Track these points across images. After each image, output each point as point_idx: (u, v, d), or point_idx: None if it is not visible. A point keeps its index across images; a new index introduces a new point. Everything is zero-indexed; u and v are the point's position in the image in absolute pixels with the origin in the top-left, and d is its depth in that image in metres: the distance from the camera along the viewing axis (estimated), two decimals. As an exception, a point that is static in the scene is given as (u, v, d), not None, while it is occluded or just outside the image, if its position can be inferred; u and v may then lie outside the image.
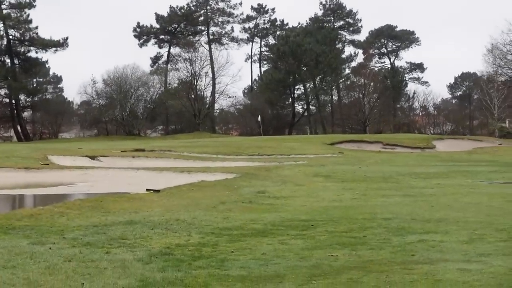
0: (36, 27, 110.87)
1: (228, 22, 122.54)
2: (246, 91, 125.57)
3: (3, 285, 11.52)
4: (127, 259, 13.69)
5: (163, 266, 12.99)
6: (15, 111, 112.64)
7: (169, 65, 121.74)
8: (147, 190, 27.61)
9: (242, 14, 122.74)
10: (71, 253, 14.29)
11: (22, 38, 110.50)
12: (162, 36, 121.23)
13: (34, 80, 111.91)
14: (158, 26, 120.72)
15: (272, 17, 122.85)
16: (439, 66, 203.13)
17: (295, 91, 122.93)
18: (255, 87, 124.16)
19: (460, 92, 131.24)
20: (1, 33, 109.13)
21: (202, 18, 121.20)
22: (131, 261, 13.44)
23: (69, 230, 17.03)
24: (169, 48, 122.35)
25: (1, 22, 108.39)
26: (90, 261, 13.45)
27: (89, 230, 16.97)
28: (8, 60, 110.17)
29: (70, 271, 12.54)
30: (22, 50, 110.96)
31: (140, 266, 12.99)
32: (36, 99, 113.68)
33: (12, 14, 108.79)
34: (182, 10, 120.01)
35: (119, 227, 17.33)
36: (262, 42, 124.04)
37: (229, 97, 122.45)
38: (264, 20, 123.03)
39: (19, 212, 22.84)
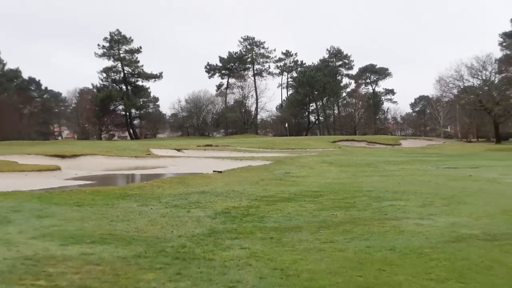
0: (142, 65, 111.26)
1: (266, 62, 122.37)
2: (278, 107, 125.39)
3: (122, 231, 11.68)
4: (200, 215, 13.82)
5: (224, 220, 13.10)
6: (128, 120, 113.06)
7: (227, 90, 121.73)
8: (214, 171, 27.70)
9: (275, 56, 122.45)
10: (164, 212, 14.45)
11: (133, 73, 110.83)
12: (223, 71, 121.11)
13: (141, 100, 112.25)
14: (220, 64, 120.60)
15: (295, 59, 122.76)
16: (404, 91, 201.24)
17: (310, 107, 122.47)
18: (283, 104, 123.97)
19: (417, 108, 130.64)
20: (119, 69, 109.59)
21: (249, 59, 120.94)
22: (203, 217, 13.58)
23: (163, 197, 17.18)
24: (228, 79, 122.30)
25: (120, 62, 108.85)
26: (176, 217, 13.60)
27: (176, 197, 17.12)
28: (124, 87, 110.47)
29: (164, 223, 12.69)
30: (133, 80, 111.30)
31: (209, 220, 13.11)
32: (142, 112, 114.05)
33: (127, 57, 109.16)
34: (236, 54, 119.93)
35: (195, 195, 17.44)
36: (288, 75, 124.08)
37: (267, 111, 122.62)
38: (290, 60, 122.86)
39: (131, 185, 23.04)
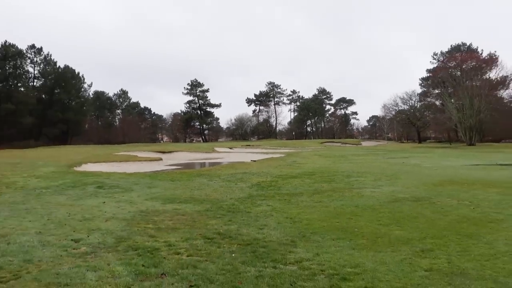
0: (209, 99, 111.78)
1: (281, 96, 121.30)
2: (288, 122, 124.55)
3: (198, 196, 11.66)
4: (243, 186, 13.73)
5: (256, 189, 13.00)
6: (201, 131, 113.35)
7: (259, 113, 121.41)
8: (251, 160, 27.61)
9: (287, 93, 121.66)
10: (222, 184, 14.39)
11: (204, 103, 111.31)
12: (256, 102, 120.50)
13: (208, 119, 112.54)
14: (254, 98, 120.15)
15: (298, 94, 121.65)
16: (363, 112, 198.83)
17: (307, 123, 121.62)
18: (292, 121, 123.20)
19: (371, 122, 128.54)
20: (196, 101, 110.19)
21: (271, 95, 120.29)
22: (244, 187, 13.48)
23: (222, 175, 17.14)
24: (259, 107, 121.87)
25: (196, 98, 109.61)
26: (229, 187, 13.53)
27: (228, 175, 17.04)
28: (199, 112, 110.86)
29: (222, 191, 12.63)
30: (204, 108, 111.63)
31: (247, 189, 13.02)
32: (209, 126, 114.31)
33: (200, 94, 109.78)
34: (263, 92, 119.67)
35: (240, 174, 17.37)
36: (294, 104, 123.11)
37: (281, 125, 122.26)
38: (296, 95, 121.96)
39: (203, 168, 23.05)
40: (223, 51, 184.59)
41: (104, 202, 10.40)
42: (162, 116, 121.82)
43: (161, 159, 32.11)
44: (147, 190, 12.79)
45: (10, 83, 65.84)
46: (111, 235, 6.82)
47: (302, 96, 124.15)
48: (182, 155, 40.12)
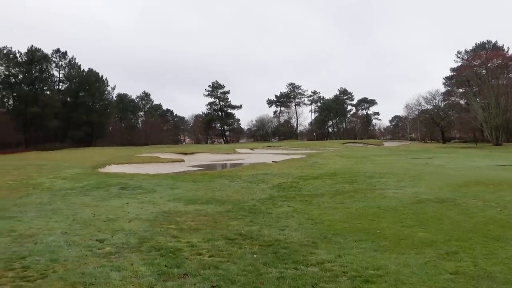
0: (230, 100, 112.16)
1: (302, 97, 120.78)
2: (309, 123, 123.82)
3: (219, 196, 11.72)
4: (264, 187, 13.74)
5: (278, 190, 12.98)
6: (223, 132, 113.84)
7: (280, 114, 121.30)
8: (272, 161, 27.58)
9: (308, 93, 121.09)
10: (243, 185, 14.42)
11: (225, 105, 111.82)
12: (277, 103, 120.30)
13: (229, 120, 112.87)
14: (275, 99, 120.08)
15: (319, 95, 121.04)
16: (385, 112, 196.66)
17: (328, 123, 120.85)
18: (312, 122, 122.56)
19: (393, 123, 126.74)
20: (217, 103, 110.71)
21: (292, 96, 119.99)
22: (266, 188, 13.49)
23: (243, 176, 17.17)
24: (280, 108, 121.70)
25: (217, 99, 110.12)
26: (250, 188, 13.56)
27: (249, 176, 17.05)
28: (220, 113, 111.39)
29: (243, 192, 12.67)
30: (225, 109, 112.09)
31: (269, 190, 13.01)
32: (230, 127, 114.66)
33: (221, 96, 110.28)
34: (284, 93, 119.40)
35: (261, 175, 17.36)
36: (315, 104, 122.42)
37: (302, 126, 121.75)
38: (316, 96, 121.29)
39: (224, 169, 23.13)
40: (242, 53, 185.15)
41: (128, 203, 10.55)
42: (184, 117, 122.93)
43: (183, 161, 32.41)
44: (170, 191, 12.92)
45: (36, 87, 67.49)
46: (134, 236, 6.91)
47: (323, 97, 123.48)
48: (204, 156, 40.38)
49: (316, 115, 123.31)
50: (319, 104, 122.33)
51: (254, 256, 5.65)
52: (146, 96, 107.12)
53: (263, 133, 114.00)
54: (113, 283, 4.61)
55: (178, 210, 9.50)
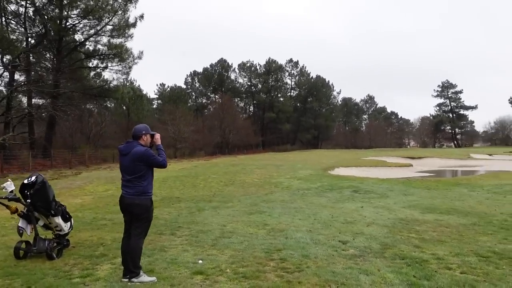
0: (463, 100, 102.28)
1: None
2: None
3: (459, 207, 10.74)
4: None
5: None
6: (453, 134, 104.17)
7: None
8: (519, 170, 23.86)
9: None
10: (487, 196, 12.90)
11: (456, 105, 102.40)
12: None
13: (462, 122, 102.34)
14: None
15: None
16: None
17: None
18: None
19: None
20: (447, 104, 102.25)
21: None
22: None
23: (484, 186, 15.30)
24: None
25: (448, 100, 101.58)
26: (496, 200, 11.99)
27: (493, 186, 15.06)
28: (450, 115, 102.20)
29: (488, 203, 11.32)
30: (457, 110, 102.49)
31: None
32: (462, 130, 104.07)
33: (452, 96, 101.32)
34: None
35: (508, 186, 15.11)
36: None
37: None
38: None
39: (460, 177, 21.15)
40: (472, 49, 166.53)
41: (362, 207, 10.71)
42: (409, 120, 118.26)
43: (411, 165, 31.16)
44: (403, 198, 12.55)
45: (272, 94, 75.34)
46: (375, 241, 6.95)
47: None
48: (433, 162, 37.93)
49: None
50: None
51: (517, 279, 4.96)
52: (370, 99, 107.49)
53: (503, 137, 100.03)
54: (363, 286, 4.72)
55: (415, 219, 9.13)
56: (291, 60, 78.31)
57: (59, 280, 4.95)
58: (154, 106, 71.61)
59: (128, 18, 31.30)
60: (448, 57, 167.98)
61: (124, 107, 47.25)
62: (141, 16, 31.75)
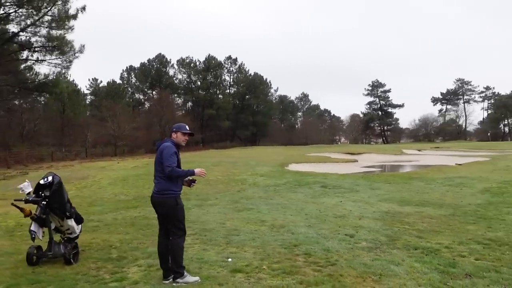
0: (391, 99, 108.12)
1: (473, 93, 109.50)
2: (481, 121, 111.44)
3: (430, 199, 11.42)
4: (471, 192, 12.82)
5: (491, 196, 12.00)
6: (382, 131, 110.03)
7: (445, 113, 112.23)
8: (456, 164, 25.79)
9: (479, 90, 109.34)
10: (446, 188, 13.75)
11: (385, 103, 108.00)
12: (443, 101, 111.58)
13: (389, 120, 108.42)
14: (441, 97, 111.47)
15: (494, 91, 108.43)
16: None
17: (504, 122, 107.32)
18: (484, 120, 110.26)
19: None
20: (377, 102, 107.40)
21: (460, 92, 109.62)
22: (475, 193, 12.56)
23: (436, 179, 16.29)
24: (446, 105, 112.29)
25: (378, 98, 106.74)
26: (456, 192, 12.81)
27: (444, 180, 16.10)
28: (380, 113, 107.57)
29: (451, 195, 12.07)
30: (385, 108, 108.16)
31: (480, 195, 12.10)
32: (390, 127, 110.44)
33: (381, 94, 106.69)
34: (451, 90, 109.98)
35: (456, 178, 16.17)
36: (488, 101, 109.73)
37: (473, 125, 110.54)
38: (489, 92, 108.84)
39: (411, 171, 22.31)
40: (399, 51, 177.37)
41: (341, 201, 11.08)
42: (340, 117, 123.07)
43: (356, 161, 32.52)
44: (372, 192, 13.13)
45: (211, 91, 74.91)
46: (378, 233, 7.24)
47: (498, 93, 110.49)
48: (372, 157, 39.77)
49: (488, 112, 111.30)
50: (492, 101, 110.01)
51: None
52: (304, 97, 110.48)
53: (426, 133, 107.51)
54: (400, 275, 4.95)
55: (398, 211, 9.62)
56: (229, 57, 78.44)
57: (94, 285, 4.70)
58: (88, 102, 68.39)
59: (69, 9, 29.67)
60: (377, 58, 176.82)
61: (60, 103, 44.68)
62: (83, 8, 30.18)
